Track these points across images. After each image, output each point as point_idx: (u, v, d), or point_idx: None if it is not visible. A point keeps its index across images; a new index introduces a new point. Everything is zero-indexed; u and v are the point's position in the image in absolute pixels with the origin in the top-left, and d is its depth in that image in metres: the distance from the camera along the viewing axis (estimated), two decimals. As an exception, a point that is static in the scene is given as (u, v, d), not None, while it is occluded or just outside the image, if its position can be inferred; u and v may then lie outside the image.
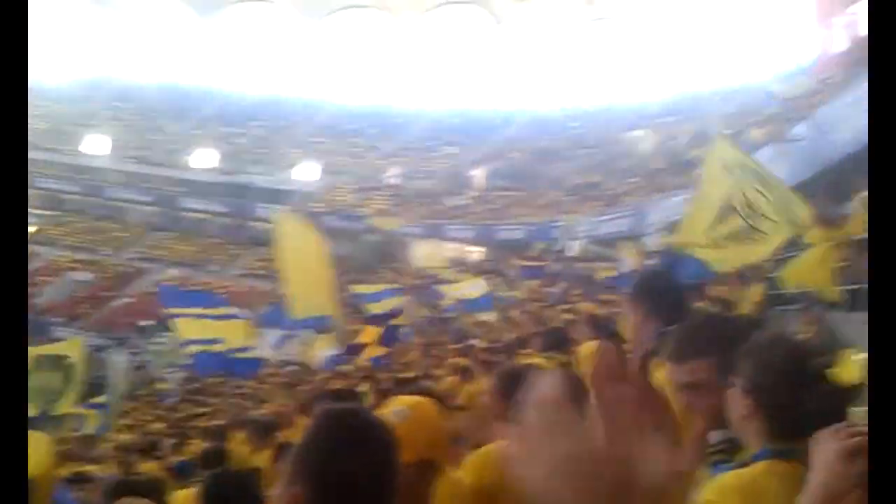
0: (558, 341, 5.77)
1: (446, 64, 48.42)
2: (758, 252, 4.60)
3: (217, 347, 12.06)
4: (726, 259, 4.61)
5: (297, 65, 51.42)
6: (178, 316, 12.42)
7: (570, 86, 45.56)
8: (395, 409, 1.94)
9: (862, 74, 12.21)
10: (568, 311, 12.33)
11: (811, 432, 1.56)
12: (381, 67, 49.89)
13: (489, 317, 12.93)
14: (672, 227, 19.01)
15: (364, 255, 40.14)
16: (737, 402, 1.65)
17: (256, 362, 14.27)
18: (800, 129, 14.76)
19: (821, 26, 22.06)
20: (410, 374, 9.74)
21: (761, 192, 4.44)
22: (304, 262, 7.64)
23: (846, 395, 1.58)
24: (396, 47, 48.56)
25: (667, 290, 2.63)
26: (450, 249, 35.97)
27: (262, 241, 42.33)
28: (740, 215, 4.49)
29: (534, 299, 17.14)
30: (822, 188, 11.40)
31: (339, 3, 47.01)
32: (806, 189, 12.46)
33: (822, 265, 3.91)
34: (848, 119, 12.02)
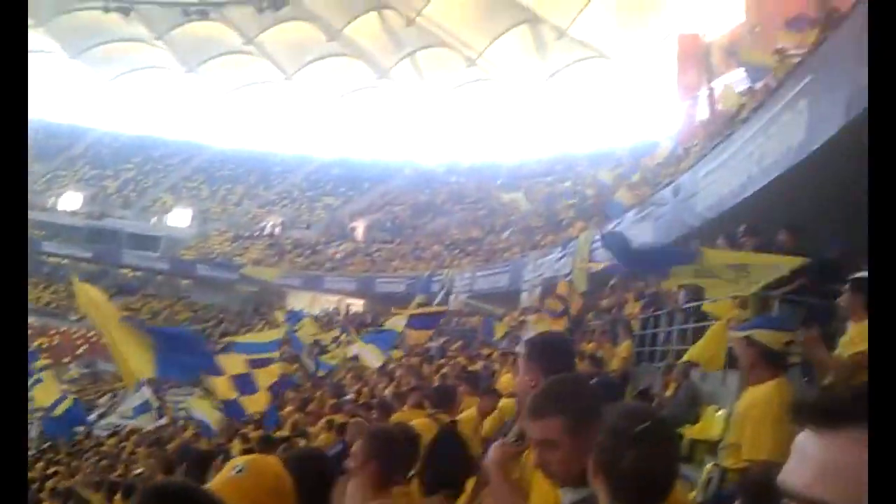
0: (445, 399, 5.70)
1: (329, 114, 48.50)
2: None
3: (58, 410, 11.44)
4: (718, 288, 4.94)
5: (175, 107, 50.12)
6: (36, 383, 11.74)
7: (451, 142, 46.66)
8: (235, 467, 1.99)
9: (721, 145, 13.10)
10: (446, 365, 12.35)
11: (648, 495, 1.62)
12: (263, 113, 49.38)
13: (376, 359, 12.71)
14: (544, 283, 19.61)
15: (238, 306, 38.99)
16: (589, 463, 1.70)
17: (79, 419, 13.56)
18: (664, 194, 15.59)
19: (685, 98, 23.72)
20: (284, 433, 9.43)
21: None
22: (107, 329, 7.18)
23: (680, 458, 1.65)
24: (279, 95, 48.28)
25: (561, 351, 2.68)
26: (328, 301, 35.54)
27: (129, 290, 40.39)
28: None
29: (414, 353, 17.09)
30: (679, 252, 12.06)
31: (221, 50, 46.35)
32: (667, 251, 13.17)
33: (718, 342, 4.13)
34: (708, 187, 12.81)
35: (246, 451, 7.50)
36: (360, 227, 40.21)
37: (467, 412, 5.95)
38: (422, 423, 5.10)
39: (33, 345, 24.92)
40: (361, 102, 47.82)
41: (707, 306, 8.02)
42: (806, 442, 0.79)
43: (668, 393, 7.71)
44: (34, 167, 46.18)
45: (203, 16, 43.71)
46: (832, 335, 4.86)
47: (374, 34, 42.73)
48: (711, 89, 20.93)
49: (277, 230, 41.76)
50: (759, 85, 15.52)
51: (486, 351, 14.36)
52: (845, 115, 7.50)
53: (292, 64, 46.42)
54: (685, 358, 7.25)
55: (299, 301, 35.66)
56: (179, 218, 43.50)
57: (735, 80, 18.54)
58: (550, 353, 2.61)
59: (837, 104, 7.70)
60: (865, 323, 4.31)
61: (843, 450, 0.75)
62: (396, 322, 13.65)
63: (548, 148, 42.11)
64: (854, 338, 4.23)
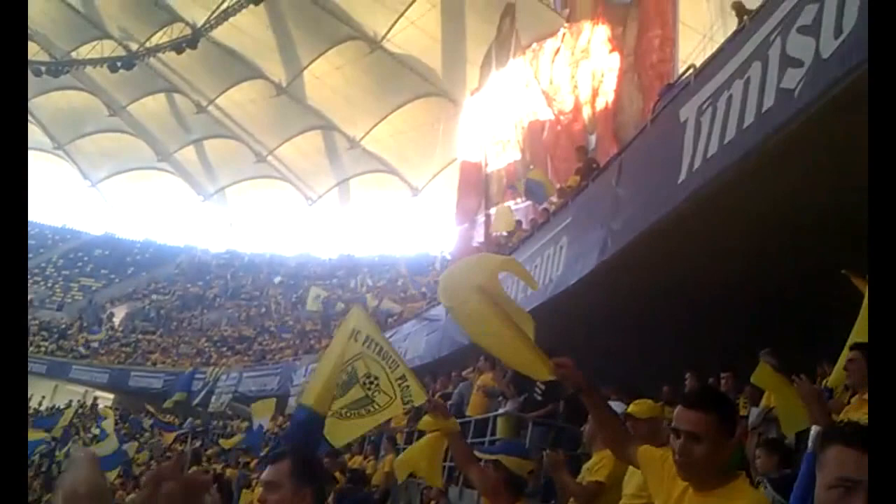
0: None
1: (100, 190, 45.42)
2: (368, 424, 4.87)
3: None
4: (342, 432, 4.82)
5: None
6: None
7: (231, 235, 45.36)
8: None
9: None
10: (203, 472, 11.56)
11: None
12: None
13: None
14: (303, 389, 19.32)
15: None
16: None
17: None
18: (438, 311, 16.15)
19: (462, 221, 25.14)
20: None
21: (383, 367, 4.79)
22: None
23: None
24: (45, 163, 44.62)
25: (322, 466, 2.69)
26: (73, 392, 32.23)
27: None
28: (362, 386, 4.76)
29: (165, 456, 15.87)
30: (449, 368, 12.51)
31: None
32: (438, 366, 13.61)
33: (429, 453, 4.07)
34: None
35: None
36: (118, 314, 37.37)
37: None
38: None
39: None
40: (138, 182, 45.36)
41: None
42: None
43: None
44: None
45: (-33, 69, 39.93)
46: (584, 458, 5.22)
47: (160, 116, 41.17)
48: (488, 215, 22.40)
49: (22, 309, 37.62)
50: (529, 217, 16.85)
51: (245, 458, 13.68)
52: (598, 256, 8.39)
53: (65, 133, 43.29)
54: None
55: (39, 390, 31.99)
56: None
57: (511, 210, 19.96)
58: (317, 469, 2.59)
59: (592, 245, 8.61)
60: (606, 451, 4.68)
61: None
62: None
63: (330, 251, 42.39)
64: (594, 465, 4.54)
